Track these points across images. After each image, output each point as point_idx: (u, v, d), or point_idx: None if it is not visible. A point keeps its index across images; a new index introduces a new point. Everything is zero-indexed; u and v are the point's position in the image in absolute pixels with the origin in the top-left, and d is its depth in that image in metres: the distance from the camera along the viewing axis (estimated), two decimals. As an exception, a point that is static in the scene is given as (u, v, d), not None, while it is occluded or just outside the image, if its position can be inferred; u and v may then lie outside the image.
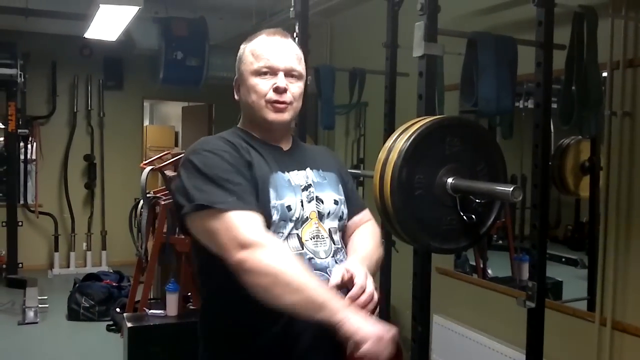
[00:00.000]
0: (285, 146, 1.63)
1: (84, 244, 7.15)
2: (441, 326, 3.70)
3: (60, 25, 6.12)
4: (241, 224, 1.36)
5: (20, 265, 6.44)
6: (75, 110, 7.12)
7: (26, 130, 6.59)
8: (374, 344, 1.32)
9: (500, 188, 1.68)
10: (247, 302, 1.35)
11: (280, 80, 1.53)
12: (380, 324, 1.36)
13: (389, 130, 3.28)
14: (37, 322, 4.99)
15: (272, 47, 1.55)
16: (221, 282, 1.43)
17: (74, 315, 5.09)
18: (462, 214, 1.83)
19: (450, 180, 1.83)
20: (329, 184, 1.63)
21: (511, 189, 1.62)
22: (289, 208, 1.49)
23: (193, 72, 6.00)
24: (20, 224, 6.56)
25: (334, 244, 1.56)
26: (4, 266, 6.46)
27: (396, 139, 1.87)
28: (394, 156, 1.83)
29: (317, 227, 1.53)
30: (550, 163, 2.29)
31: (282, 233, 1.48)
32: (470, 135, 1.89)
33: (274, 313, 1.36)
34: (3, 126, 7.33)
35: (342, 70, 3.40)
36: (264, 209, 1.45)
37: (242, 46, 1.61)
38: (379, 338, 1.33)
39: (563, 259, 4.00)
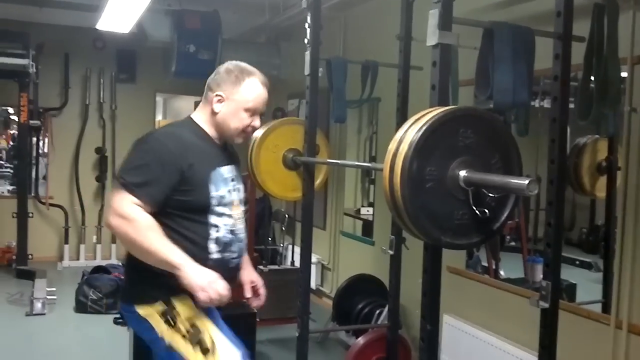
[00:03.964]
0: (222, 144, 2.17)
1: (94, 237, 7.14)
2: (451, 326, 3.63)
3: (74, 17, 6.11)
4: (128, 203, 1.90)
5: (30, 256, 6.44)
6: (87, 103, 7.12)
7: (38, 122, 6.59)
8: (203, 293, 1.87)
9: (515, 181, 1.62)
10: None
11: (257, 122, 2.14)
12: (210, 274, 1.91)
13: (402, 123, 3.21)
14: (44, 314, 4.98)
15: (261, 95, 2.10)
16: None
17: (81, 307, 5.07)
18: (474, 208, 1.77)
19: (463, 173, 1.76)
20: (240, 178, 2.20)
21: (527, 182, 1.55)
22: (222, 197, 2.07)
23: (205, 66, 5.93)
24: (30, 215, 6.56)
25: (245, 222, 2.21)
26: (14, 257, 6.47)
27: (407, 129, 1.81)
28: (404, 147, 1.76)
29: (239, 211, 2.15)
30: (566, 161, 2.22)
31: (220, 214, 2.06)
32: (484, 127, 1.81)
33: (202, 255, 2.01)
34: (16, 118, 7.38)
35: (354, 62, 3.33)
36: (205, 198, 2.03)
37: (242, 74, 2.07)
38: (205, 287, 1.87)
39: (577, 262, 3.91)
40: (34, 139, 6.86)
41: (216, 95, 2.07)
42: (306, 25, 3.00)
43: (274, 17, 5.97)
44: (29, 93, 6.33)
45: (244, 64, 2.13)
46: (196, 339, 1.96)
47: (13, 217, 6.39)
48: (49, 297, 5.20)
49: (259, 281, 2.34)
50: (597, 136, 3.37)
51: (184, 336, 1.97)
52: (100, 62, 7.11)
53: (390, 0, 4.48)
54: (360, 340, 3.43)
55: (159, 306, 1.99)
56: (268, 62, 6.28)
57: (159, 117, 9.36)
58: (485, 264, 4.03)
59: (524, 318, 3.17)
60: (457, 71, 2.88)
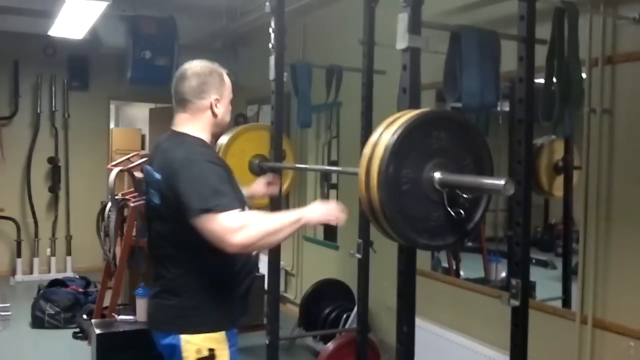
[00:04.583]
0: None
1: (48, 250, 6.92)
2: (420, 328, 3.65)
3: (23, 23, 5.94)
4: (232, 217, 1.84)
5: (-20, 272, 6.21)
6: (38, 112, 6.90)
7: (-14, 132, 6.36)
8: (324, 217, 2.01)
9: (492, 182, 1.64)
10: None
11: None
12: (319, 204, 2.04)
13: (367, 128, 3.24)
14: (-1, 331, 4.80)
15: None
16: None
17: (38, 322, 4.90)
18: (449, 209, 1.79)
19: (437, 174, 1.78)
20: None
21: (503, 182, 1.58)
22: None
23: (162, 72, 5.86)
24: (-20, 229, 6.33)
25: None
26: (-36, 273, 6.23)
27: (381, 133, 1.82)
28: (379, 151, 1.77)
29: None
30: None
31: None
32: (456, 129, 1.84)
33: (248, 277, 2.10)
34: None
35: (319, 67, 3.34)
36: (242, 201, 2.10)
37: (218, 69, 2.09)
38: (324, 213, 2.00)
39: (533, 261, 4.01)
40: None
41: (214, 99, 2.05)
42: (270, 30, 2.99)
43: (230, 22, 5.94)
44: (-24, 102, 6.11)
45: (205, 62, 2.09)
46: None
47: (-39, 231, 6.14)
48: (2, 313, 5.00)
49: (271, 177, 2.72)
50: (553, 137, 3.47)
51: None
52: (51, 70, 6.91)
53: (348, 5, 4.53)
54: (330, 345, 3.43)
55: (211, 336, 1.96)
56: (226, 68, 6.21)
57: (111, 125, 9.17)
58: (445, 264, 4.09)
59: (490, 317, 3.22)
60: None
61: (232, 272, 2.02)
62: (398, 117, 1.84)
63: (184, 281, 1.98)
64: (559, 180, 3.45)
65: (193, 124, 2.05)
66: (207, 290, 1.98)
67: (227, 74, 2.13)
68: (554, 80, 2.36)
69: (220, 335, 1.98)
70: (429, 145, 1.80)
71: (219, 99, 2.05)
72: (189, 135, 2.04)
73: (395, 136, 1.75)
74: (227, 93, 2.10)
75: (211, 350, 1.95)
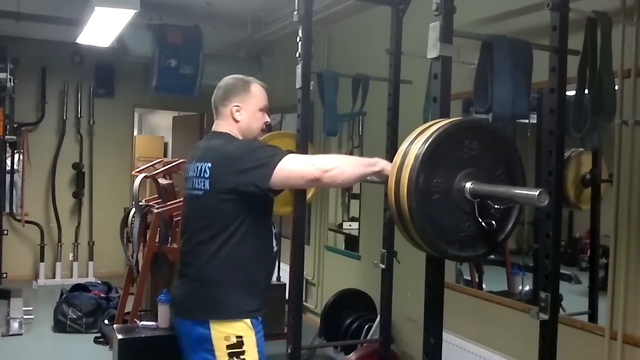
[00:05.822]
0: None
1: (71, 255, 7.00)
2: (445, 341, 3.62)
3: (51, 31, 6.04)
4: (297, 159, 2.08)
5: (4, 275, 6.27)
6: (64, 118, 7.00)
7: (14, 137, 6.45)
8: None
9: (525, 192, 1.62)
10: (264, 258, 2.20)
11: (268, 118, 2.34)
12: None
13: (392, 137, 3.23)
14: (21, 334, 4.83)
15: (265, 94, 2.30)
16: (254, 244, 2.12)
17: (60, 326, 4.94)
18: (480, 220, 1.76)
19: (468, 184, 1.76)
20: None
21: (537, 193, 1.55)
22: None
23: (187, 81, 5.92)
24: (5, 232, 6.40)
25: None
26: (-12, 276, 6.30)
27: (412, 141, 1.80)
28: (410, 160, 1.76)
29: None
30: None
31: None
32: (488, 139, 1.82)
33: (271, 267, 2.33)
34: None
35: (345, 76, 3.34)
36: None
37: (245, 79, 2.27)
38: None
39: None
40: (9, 155, 6.71)
41: (234, 106, 2.22)
42: (297, 39, 2.99)
43: (255, 31, 5.97)
44: (4, 107, 6.20)
45: (236, 75, 2.32)
46: None
47: (-13, 234, 6.22)
48: (25, 316, 5.05)
49: None
50: (581, 149, 3.42)
51: None
52: (78, 77, 7.01)
53: (372, 14, 4.53)
54: (352, 356, 3.40)
55: (238, 324, 2.05)
56: (249, 76, 6.25)
57: (134, 133, 9.26)
58: (468, 277, 4.04)
59: (515, 330, 3.18)
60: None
61: (257, 262, 2.14)
62: (429, 126, 1.82)
63: (213, 269, 2.09)
64: (587, 193, 3.39)
65: (226, 126, 2.24)
66: (235, 278, 2.08)
67: (262, 86, 2.30)
68: (586, 91, 2.32)
69: (247, 322, 2.07)
70: (461, 155, 1.78)
71: (240, 107, 2.22)
72: (227, 134, 2.22)
73: (427, 145, 1.73)
74: (253, 102, 2.24)
75: (239, 337, 2.04)
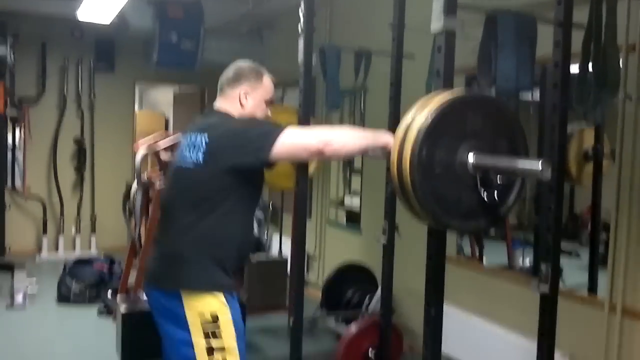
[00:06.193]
0: None
1: (73, 228, 7.03)
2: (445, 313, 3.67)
3: (51, 6, 5.98)
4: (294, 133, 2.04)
5: (7, 249, 6.32)
6: (65, 93, 6.98)
7: (15, 112, 6.44)
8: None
9: (528, 164, 1.63)
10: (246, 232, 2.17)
11: (269, 112, 2.32)
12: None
13: (395, 113, 3.21)
14: (26, 306, 4.88)
15: (273, 88, 2.31)
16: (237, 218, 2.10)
17: (64, 299, 5.00)
18: (483, 192, 1.78)
19: (471, 157, 1.77)
20: None
21: (540, 164, 1.56)
22: None
23: (188, 55, 5.89)
24: (7, 207, 6.43)
25: None
26: (-9, 250, 6.35)
27: (414, 116, 1.81)
28: (413, 133, 1.76)
29: None
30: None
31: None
32: (491, 112, 1.83)
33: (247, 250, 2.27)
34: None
35: (347, 50, 3.33)
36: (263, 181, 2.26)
37: (258, 69, 2.27)
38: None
39: (557, 251, 3.98)
40: (10, 130, 6.70)
41: (243, 91, 2.22)
42: (300, 13, 2.97)
43: (256, 6, 5.91)
44: (5, 83, 6.18)
45: (250, 62, 2.31)
46: None
47: (-10, 209, 6.26)
48: (29, 289, 5.10)
49: None
50: (583, 125, 3.42)
51: None
52: (78, 52, 6.97)
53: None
54: (353, 327, 3.43)
55: (212, 299, 2.02)
56: (251, 52, 6.21)
57: (135, 108, 9.23)
58: (468, 251, 4.08)
59: (515, 303, 3.21)
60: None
61: (234, 242, 2.11)
62: (431, 99, 1.82)
63: (190, 244, 2.06)
64: (588, 168, 3.41)
65: (229, 107, 2.22)
66: (210, 254, 2.05)
67: (272, 80, 2.31)
68: (590, 66, 2.32)
69: (220, 298, 2.03)
70: (463, 127, 1.79)
71: (248, 92, 2.22)
72: (230, 113, 2.21)
73: (430, 118, 1.74)
74: (262, 92, 2.26)
75: (214, 315, 2.01)
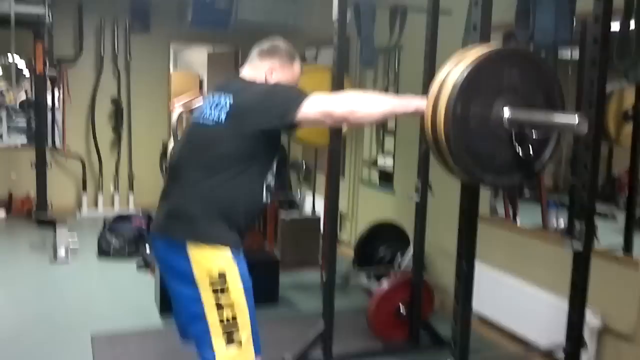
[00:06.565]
0: None
1: (112, 186, 7.22)
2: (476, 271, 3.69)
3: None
4: (317, 100, 1.99)
5: (49, 206, 6.53)
6: (102, 54, 7.06)
7: (54, 72, 6.57)
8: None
9: (564, 118, 1.62)
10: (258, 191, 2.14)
11: None
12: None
13: (429, 71, 3.20)
14: (68, 261, 5.07)
15: (299, 78, 2.32)
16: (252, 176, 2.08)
17: (104, 253, 5.17)
18: (518, 148, 1.78)
19: (507, 112, 1.77)
20: None
21: (577, 119, 1.56)
22: None
23: (222, 15, 5.91)
24: (49, 165, 6.62)
25: None
26: (34, 207, 6.56)
27: (450, 71, 1.80)
28: (448, 87, 1.76)
29: None
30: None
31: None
32: (528, 67, 1.81)
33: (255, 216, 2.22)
34: (27, 73, 7.34)
35: (382, 7, 3.29)
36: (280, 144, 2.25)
37: (292, 52, 2.27)
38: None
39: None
40: (50, 90, 6.84)
41: (273, 67, 2.22)
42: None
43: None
44: (44, 43, 6.29)
45: (287, 43, 2.30)
46: (229, 330, 2.02)
47: (31, 167, 6.44)
48: (71, 244, 5.28)
49: None
50: (624, 84, 3.35)
51: (221, 320, 2.01)
52: (114, 12, 7.02)
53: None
54: (385, 283, 3.49)
55: (219, 255, 2.01)
56: (285, 10, 6.21)
57: (171, 68, 9.31)
58: (502, 211, 4.07)
59: (549, 262, 3.22)
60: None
61: (244, 206, 2.09)
62: (467, 53, 1.82)
63: (199, 200, 2.05)
64: (628, 128, 3.34)
65: (253, 77, 2.22)
66: (218, 213, 2.04)
67: (302, 69, 2.32)
68: (632, 22, 2.26)
69: (227, 254, 2.02)
70: (499, 82, 1.78)
71: (276, 70, 2.22)
72: (254, 81, 2.21)
73: (465, 73, 1.74)
74: (289, 74, 2.25)
75: (221, 272, 2.00)
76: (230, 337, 2.02)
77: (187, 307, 2.06)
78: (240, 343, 2.03)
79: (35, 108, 6.62)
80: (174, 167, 2.17)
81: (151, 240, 2.22)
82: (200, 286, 2.00)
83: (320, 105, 1.97)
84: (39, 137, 6.53)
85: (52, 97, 6.91)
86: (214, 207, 2.04)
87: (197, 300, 2.01)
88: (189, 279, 2.01)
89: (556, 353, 2.79)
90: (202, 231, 2.02)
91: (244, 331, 2.04)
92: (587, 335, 2.69)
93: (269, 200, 2.20)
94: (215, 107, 2.08)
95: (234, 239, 2.06)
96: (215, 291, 2.00)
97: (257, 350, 2.09)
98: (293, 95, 2.01)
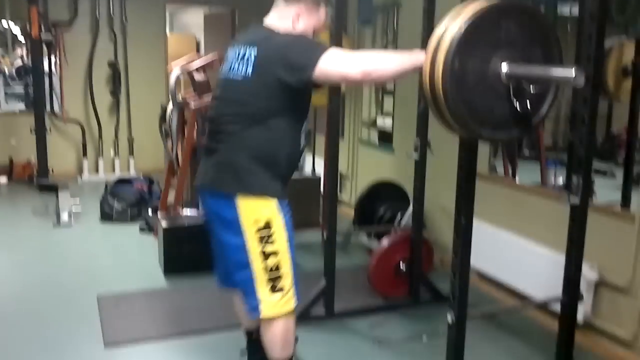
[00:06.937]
0: None
1: (112, 151, 7.23)
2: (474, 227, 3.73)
3: None
4: (337, 55, 2.00)
5: (50, 171, 6.56)
6: (97, 16, 6.98)
7: (50, 37, 6.51)
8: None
9: (561, 72, 1.62)
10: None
11: None
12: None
13: (428, 28, 3.17)
14: (71, 224, 5.11)
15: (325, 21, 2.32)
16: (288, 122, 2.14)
17: (107, 217, 5.21)
18: (515, 102, 1.79)
19: (504, 66, 1.77)
20: None
21: (574, 72, 1.56)
22: None
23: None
24: (48, 130, 6.62)
25: None
26: (35, 172, 6.59)
27: (448, 25, 1.80)
28: (446, 42, 1.76)
29: None
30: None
31: None
32: (526, 20, 1.81)
33: (296, 161, 2.26)
34: (22, 39, 7.28)
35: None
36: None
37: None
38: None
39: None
40: (46, 55, 6.79)
41: (299, 12, 2.21)
42: None
43: None
44: (38, 7, 6.21)
45: None
46: (273, 277, 2.13)
47: (31, 132, 6.44)
48: (74, 208, 5.32)
49: None
50: (623, 38, 3.33)
51: (265, 268, 2.11)
52: (108, -28, 6.93)
53: None
54: (385, 241, 3.53)
55: (266, 205, 2.10)
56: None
57: (167, 30, 9.21)
58: (501, 170, 4.09)
59: (547, 218, 3.25)
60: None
61: (283, 152, 2.15)
62: (465, 7, 1.81)
63: (240, 153, 2.11)
64: (627, 84, 3.34)
65: (277, 26, 2.20)
66: (261, 162, 2.11)
67: (328, 13, 2.33)
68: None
69: (273, 204, 2.12)
70: (497, 36, 1.78)
71: (302, 14, 2.21)
72: (278, 29, 2.19)
73: (463, 27, 1.74)
74: (315, 18, 2.24)
75: (267, 221, 2.10)
76: (274, 285, 2.13)
77: (233, 255, 2.16)
78: (283, 290, 2.14)
79: (33, 73, 6.58)
80: (213, 122, 2.24)
81: (201, 195, 2.31)
82: (247, 235, 2.10)
83: (335, 64, 1.96)
84: (37, 102, 6.51)
85: (49, 62, 6.87)
86: (257, 157, 2.11)
87: (243, 248, 2.11)
88: (237, 229, 2.10)
89: (553, 305, 2.85)
90: (249, 183, 2.10)
91: (287, 279, 2.15)
92: (584, 288, 2.74)
93: (305, 146, 2.28)
94: (241, 60, 2.13)
95: (279, 188, 2.14)
96: (261, 239, 2.10)
97: (298, 298, 2.21)
98: (310, 51, 2.01)
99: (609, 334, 2.93)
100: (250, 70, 2.08)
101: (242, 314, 2.43)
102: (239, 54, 2.15)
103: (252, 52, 2.09)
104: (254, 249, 2.10)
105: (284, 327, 2.19)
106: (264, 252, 2.10)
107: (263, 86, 2.08)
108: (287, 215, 2.16)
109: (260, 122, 2.10)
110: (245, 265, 2.12)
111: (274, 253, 2.11)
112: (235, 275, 2.19)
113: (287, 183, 2.22)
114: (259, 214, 2.09)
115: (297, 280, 2.20)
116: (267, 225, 2.10)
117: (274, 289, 2.13)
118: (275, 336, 2.20)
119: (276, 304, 2.14)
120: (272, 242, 2.10)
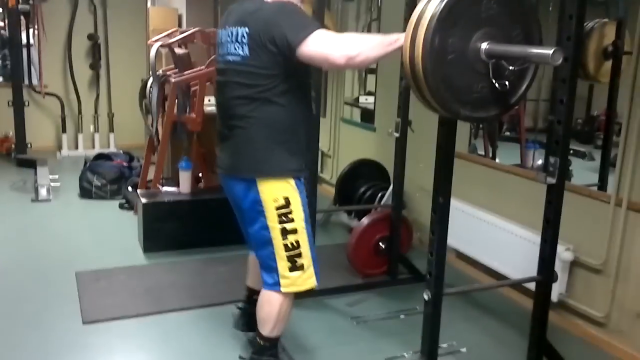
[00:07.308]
0: None
1: (91, 126, 7.14)
2: (455, 208, 3.74)
3: None
4: (325, 36, 2.00)
5: (29, 145, 6.47)
6: (76, -13, 6.86)
7: (27, 6, 6.37)
8: None
9: (539, 51, 1.62)
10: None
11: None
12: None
13: (411, 5, 3.15)
14: (50, 200, 5.06)
15: None
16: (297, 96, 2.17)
17: (86, 193, 5.16)
18: (494, 81, 1.78)
19: (484, 45, 1.76)
20: None
21: (551, 51, 1.56)
22: None
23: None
24: (26, 104, 6.51)
25: None
26: (13, 146, 6.49)
27: (428, 2, 1.78)
28: (426, 19, 1.75)
29: None
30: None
31: None
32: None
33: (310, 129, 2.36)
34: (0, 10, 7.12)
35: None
36: None
37: None
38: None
39: (571, 151, 4.00)
40: (24, 28, 6.65)
41: None
42: None
43: None
44: (15, -24, 6.08)
45: None
46: (293, 254, 2.21)
47: (9, 105, 6.34)
48: (52, 184, 5.26)
49: None
50: (605, 20, 3.33)
51: (285, 245, 2.19)
52: (87, -58, 6.78)
53: None
54: (365, 220, 3.54)
55: (284, 185, 2.17)
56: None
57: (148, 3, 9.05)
58: (481, 151, 4.11)
59: (525, 199, 3.28)
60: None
61: (297, 124, 2.20)
62: (447, -15, 1.79)
63: (255, 132, 2.16)
64: (607, 65, 3.35)
65: None
66: (277, 139, 2.16)
67: None
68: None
69: (291, 183, 2.19)
70: (478, 14, 1.77)
71: None
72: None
73: (443, 4, 1.72)
74: None
75: (286, 198, 2.17)
76: (294, 262, 2.21)
77: (256, 233, 2.24)
78: (302, 267, 2.22)
79: (10, 44, 6.45)
80: (223, 107, 2.26)
81: (222, 180, 2.36)
82: (268, 214, 2.18)
83: (320, 47, 1.97)
84: (15, 74, 6.39)
85: (27, 33, 6.73)
86: (271, 137, 2.15)
87: (265, 227, 2.19)
88: (258, 209, 2.19)
89: (528, 285, 2.88)
90: (266, 166, 2.16)
91: (306, 257, 2.23)
92: (559, 268, 2.77)
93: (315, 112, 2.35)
94: (236, 42, 2.14)
95: (296, 167, 2.20)
96: (280, 216, 2.17)
97: (317, 276, 2.29)
98: (298, 29, 2.00)
99: (582, 314, 2.98)
100: (247, 50, 2.10)
101: (254, 272, 2.52)
102: (232, 35, 2.15)
103: (244, 32, 2.10)
104: (274, 227, 2.18)
105: (285, 305, 2.27)
106: (283, 229, 2.18)
107: (261, 63, 2.09)
108: (302, 192, 2.23)
109: (270, 99, 2.13)
110: (267, 242, 2.21)
111: (293, 231, 2.19)
112: (257, 251, 2.30)
113: (308, 154, 2.31)
114: (277, 193, 2.17)
115: (315, 257, 2.27)
116: (286, 205, 2.17)
117: (294, 265, 2.21)
118: (272, 313, 2.26)
119: (295, 280, 2.23)
120: (291, 221, 2.18)
